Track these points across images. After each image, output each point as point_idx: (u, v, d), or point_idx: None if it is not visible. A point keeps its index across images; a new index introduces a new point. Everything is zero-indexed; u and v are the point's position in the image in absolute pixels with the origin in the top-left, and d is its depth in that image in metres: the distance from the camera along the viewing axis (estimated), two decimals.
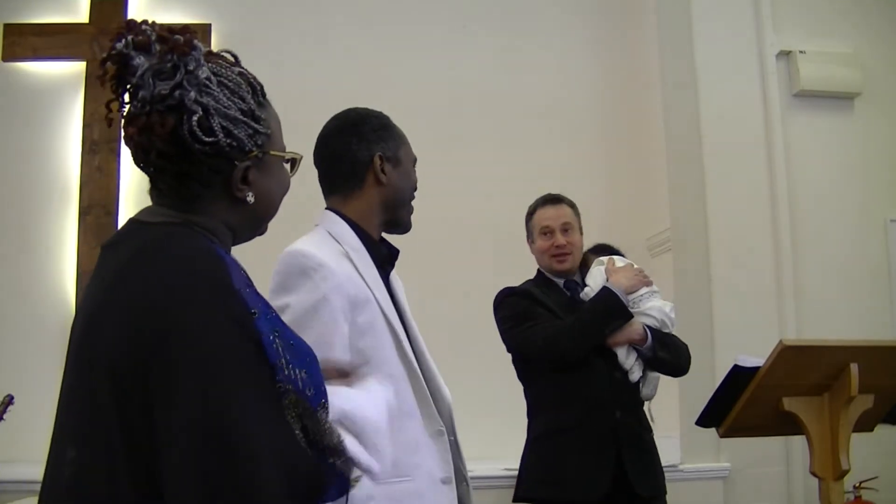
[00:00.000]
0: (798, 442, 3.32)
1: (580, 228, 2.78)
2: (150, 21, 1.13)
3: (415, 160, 1.90)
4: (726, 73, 3.85)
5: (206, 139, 1.10)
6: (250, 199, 1.17)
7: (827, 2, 4.01)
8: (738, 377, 2.33)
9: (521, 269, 4.29)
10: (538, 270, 2.82)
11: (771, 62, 3.85)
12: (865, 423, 2.43)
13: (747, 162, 3.79)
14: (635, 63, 4.54)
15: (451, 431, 1.82)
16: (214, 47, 4.68)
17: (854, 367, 2.27)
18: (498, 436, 3.96)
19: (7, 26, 4.23)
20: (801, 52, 3.86)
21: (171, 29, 1.12)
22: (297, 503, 1.01)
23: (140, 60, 1.10)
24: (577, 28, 4.63)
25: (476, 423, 3.99)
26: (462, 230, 4.32)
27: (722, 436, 2.47)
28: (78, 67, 4.24)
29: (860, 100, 3.94)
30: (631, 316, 2.59)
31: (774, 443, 3.38)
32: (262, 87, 1.21)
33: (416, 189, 1.88)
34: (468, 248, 4.31)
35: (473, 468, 3.68)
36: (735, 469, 3.53)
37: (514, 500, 2.70)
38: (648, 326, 2.61)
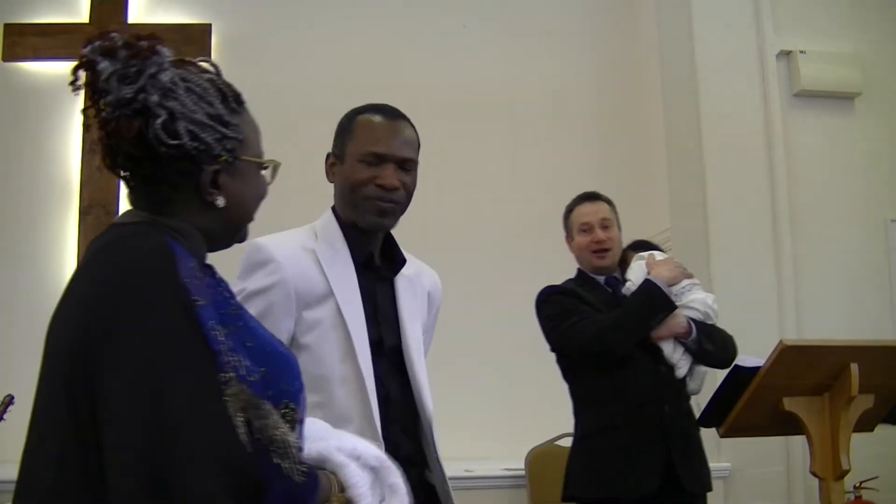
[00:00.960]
0: (798, 442, 3.31)
1: (619, 225, 2.77)
2: (122, 32, 1.16)
3: (366, 155, 1.74)
4: (726, 73, 3.84)
5: (171, 142, 1.11)
6: (220, 202, 1.18)
7: (827, 2, 4.01)
8: (739, 377, 2.34)
9: (521, 266, 4.30)
10: (578, 269, 2.79)
11: (771, 62, 3.84)
12: (866, 423, 2.43)
13: (747, 162, 3.79)
14: (635, 63, 4.54)
15: (434, 448, 1.76)
16: (214, 47, 4.66)
17: (854, 367, 2.27)
18: (499, 436, 3.97)
19: (7, 26, 4.24)
20: (801, 52, 3.86)
21: (139, 35, 1.14)
22: (232, 498, 0.99)
23: (105, 65, 1.12)
24: (577, 28, 4.64)
25: (477, 423, 4.00)
26: (461, 229, 4.32)
27: (722, 436, 2.47)
28: None
29: (860, 100, 3.94)
30: (675, 306, 2.56)
31: (774, 443, 3.38)
32: (236, 94, 1.22)
33: (381, 187, 1.73)
34: (466, 246, 4.31)
35: (474, 468, 3.71)
36: (735, 469, 3.52)
37: (562, 500, 2.66)
38: (692, 319, 2.59)
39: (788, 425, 2.37)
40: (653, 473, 2.46)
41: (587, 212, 2.74)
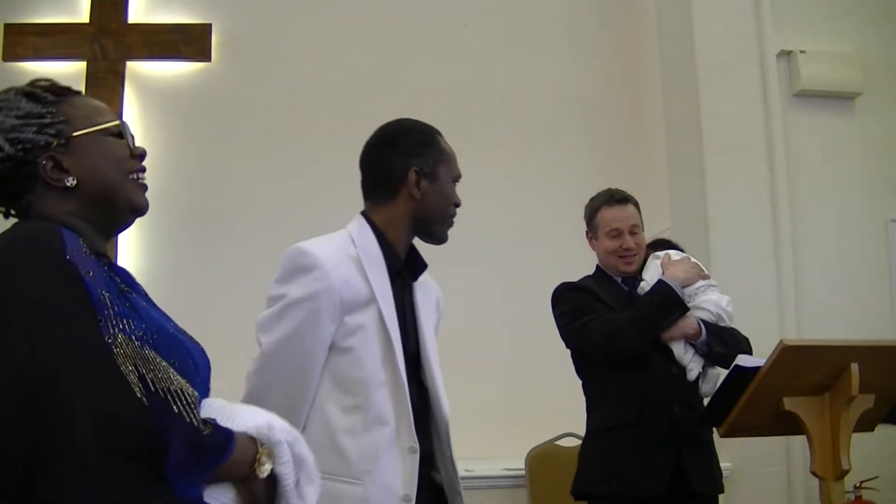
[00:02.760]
0: (798, 442, 3.31)
1: (642, 225, 2.76)
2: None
3: (456, 178, 1.95)
4: (726, 73, 3.84)
5: None
6: (70, 182, 1.24)
7: (827, 2, 4.01)
8: (739, 377, 2.33)
9: (522, 266, 4.30)
10: (597, 266, 2.79)
11: (771, 62, 3.84)
12: (866, 423, 2.43)
13: (747, 162, 3.79)
14: (635, 63, 4.54)
15: (448, 447, 1.88)
16: (214, 47, 4.65)
17: (854, 367, 2.27)
18: (499, 436, 3.97)
19: (8, 26, 4.24)
20: (801, 51, 3.86)
21: None
22: (121, 453, 1.02)
23: None
24: (576, 28, 4.64)
25: (478, 423, 4.00)
26: (461, 229, 4.32)
27: (722, 436, 2.47)
28: (78, 67, 4.24)
29: (860, 100, 3.94)
30: (687, 308, 2.55)
31: (774, 443, 3.38)
32: (49, 87, 1.29)
33: (456, 206, 1.95)
34: (467, 246, 4.30)
35: (474, 468, 3.72)
36: (735, 469, 3.52)
37: (571, 494, 2.66)
38: (704, 321, 2.58)
39: (788, 425, 2.37)
40: (661, 473, 2.45)
41: (617, 217, 2.70)
